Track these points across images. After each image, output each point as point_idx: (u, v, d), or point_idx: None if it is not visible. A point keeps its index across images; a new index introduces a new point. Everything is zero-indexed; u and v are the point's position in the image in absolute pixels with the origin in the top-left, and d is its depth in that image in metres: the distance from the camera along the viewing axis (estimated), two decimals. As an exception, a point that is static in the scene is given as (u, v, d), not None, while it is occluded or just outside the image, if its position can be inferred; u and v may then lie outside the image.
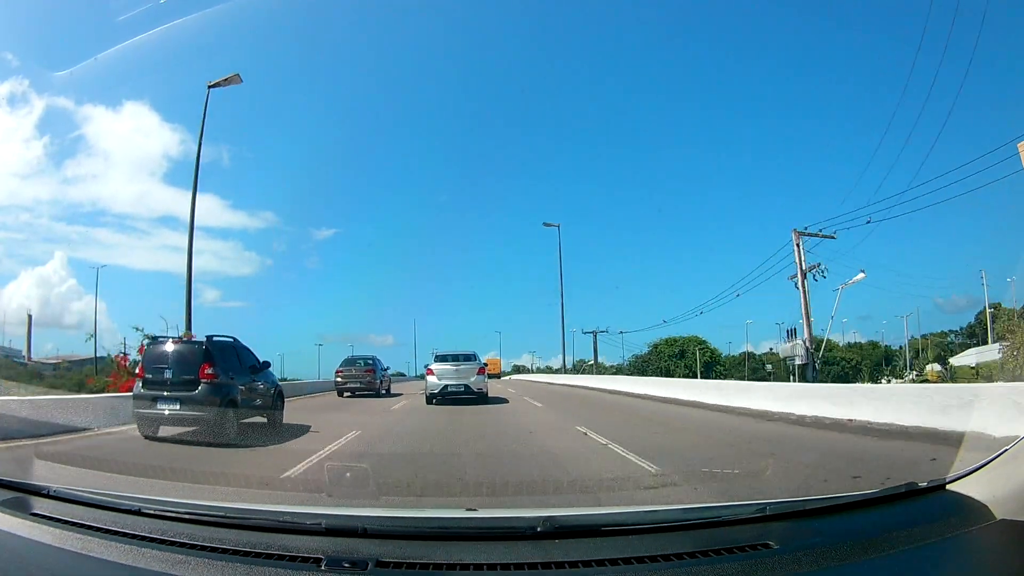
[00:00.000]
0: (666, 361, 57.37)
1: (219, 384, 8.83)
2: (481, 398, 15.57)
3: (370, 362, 20.81)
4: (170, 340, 9.36)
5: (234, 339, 10.09)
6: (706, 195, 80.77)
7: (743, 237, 77.32)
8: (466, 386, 15.37)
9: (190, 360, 8.87)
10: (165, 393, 8.66)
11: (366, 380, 19.97)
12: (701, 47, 68.81)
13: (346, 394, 19.53)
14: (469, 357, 16.32)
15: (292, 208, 73.44)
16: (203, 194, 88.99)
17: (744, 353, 67.47)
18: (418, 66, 72.74)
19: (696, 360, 58.06)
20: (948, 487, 2.05)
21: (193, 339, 10.36)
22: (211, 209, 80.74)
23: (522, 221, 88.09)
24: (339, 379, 20.20)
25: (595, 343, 48.62)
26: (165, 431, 8.85)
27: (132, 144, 63.06)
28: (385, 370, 22.91)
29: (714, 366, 59.44)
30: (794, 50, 64.78)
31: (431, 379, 15.54)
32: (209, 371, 8.76)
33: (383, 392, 20.56)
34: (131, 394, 9.37)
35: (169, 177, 70.80)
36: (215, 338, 9.52)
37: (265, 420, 10.26)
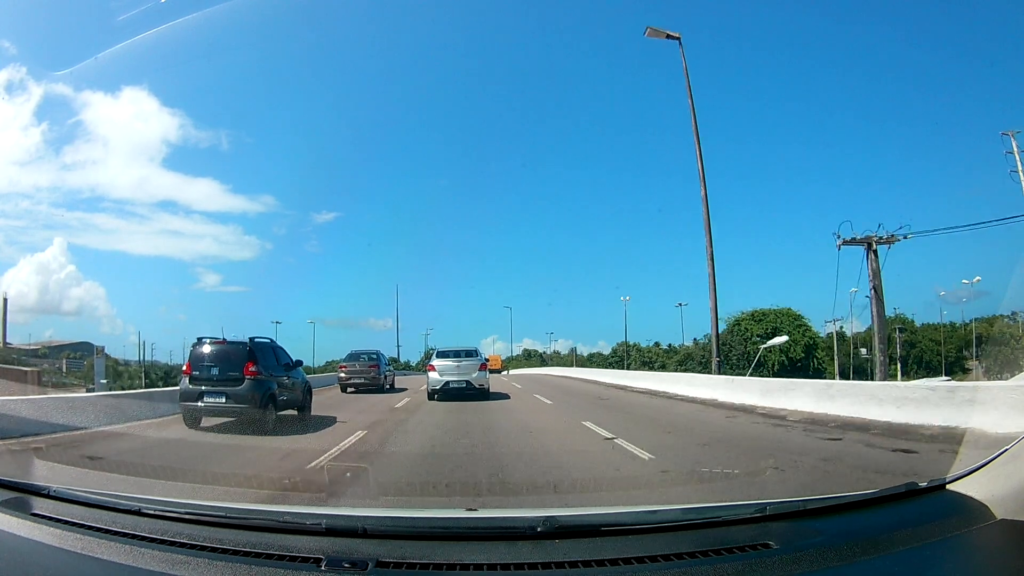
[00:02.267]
0: (754, 343, 40.92)
1: (261, 380, 9.70)
2: (482, 394, 15.59)
3: (374, 357, 20.66)
4: (213, 341, 9.95)
5: (271, 340, 11.08)
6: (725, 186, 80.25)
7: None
8: (468, 382, 15.44)
9: (235, 359, 9.68)
10: (210, 388, 9.49)
11: (370, 375, 19.82)
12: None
13: (349, 390, 19.40)
14: (471, 353, 16.34)
15: (292, 192, 72.94)
16: (202, 178, 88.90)
17: (832, 333, 50.20)
18: (418, 49, 72.47)
19: (793, 345, 42.12)
20: (948, 487, 2.05)
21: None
22: (211, 193, 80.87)
23: (523, 207, 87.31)
24: (343, 374, 20.06)
25: (875, 275, 20.90)
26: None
27: (131, 129, 63.08)
28: (389, 364, 22.83)
29: (815, 351, 46.38)
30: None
31: (432, 375, 15.60)
32: (253, 368, 9.61)
33: (387, 387, 20.43)
34: (178, 389, 10.16)
35: (168, 162, 70.94)
36: (256, 339, 10.33)
37: (296, 413, 11.16)
